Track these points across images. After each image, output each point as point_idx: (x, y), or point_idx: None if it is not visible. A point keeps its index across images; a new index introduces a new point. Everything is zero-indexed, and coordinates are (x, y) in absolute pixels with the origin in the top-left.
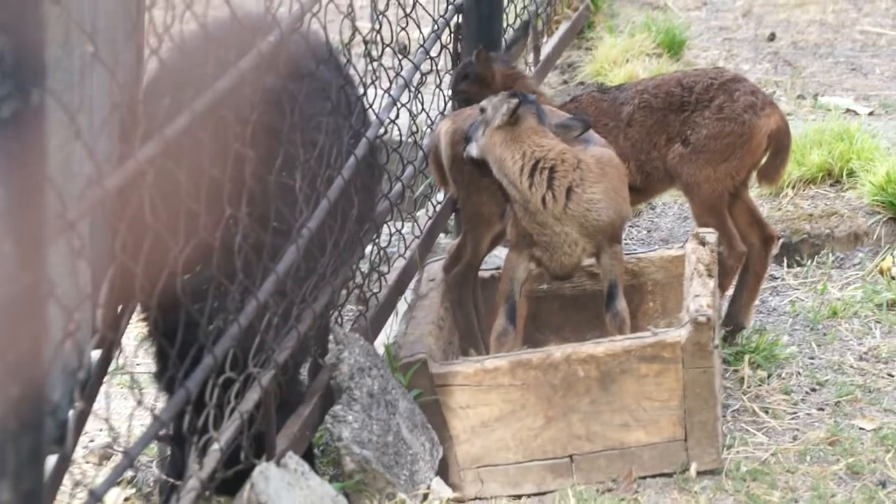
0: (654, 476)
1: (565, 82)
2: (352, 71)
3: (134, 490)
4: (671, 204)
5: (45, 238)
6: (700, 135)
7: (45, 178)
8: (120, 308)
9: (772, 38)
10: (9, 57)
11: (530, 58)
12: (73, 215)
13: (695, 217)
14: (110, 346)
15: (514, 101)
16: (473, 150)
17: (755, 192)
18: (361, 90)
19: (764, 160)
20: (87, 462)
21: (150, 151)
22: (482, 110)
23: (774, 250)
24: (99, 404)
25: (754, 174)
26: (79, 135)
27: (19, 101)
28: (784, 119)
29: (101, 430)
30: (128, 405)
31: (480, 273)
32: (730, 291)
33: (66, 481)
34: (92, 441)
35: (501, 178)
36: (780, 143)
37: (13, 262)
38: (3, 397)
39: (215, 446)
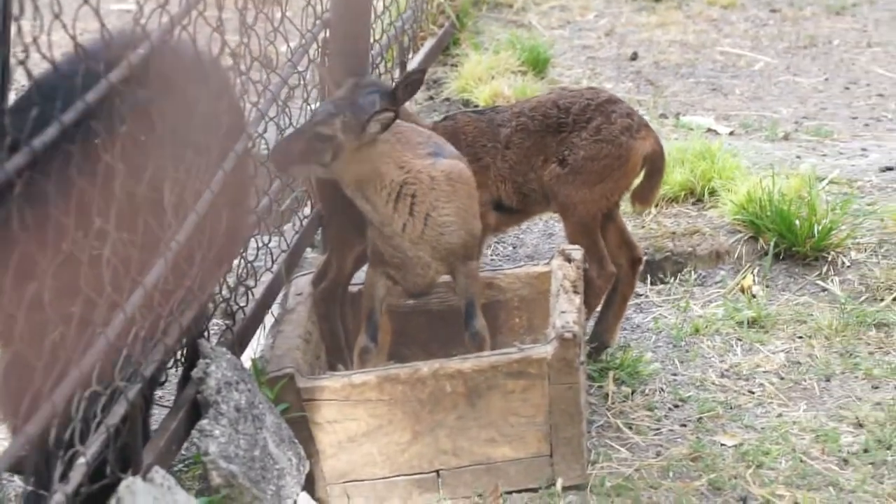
0: (519, 491)
1: (431, 98)
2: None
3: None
4: (537, 221)
5: None
6: (577, 156)
7: None
8: None
9: (634, 57)
10: None
11: (396, 73)
12: None
13: (567, 237)
14: None
15: (389, 114)
16: (319, 171)
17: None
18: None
19: (638, 182)
20: None
21: (18, 162)
22: (324, 137)
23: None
24: None
25: (627, 196)
26: None
27: None
28: (659, 142)
29: None
30: None
31: (350, 288)
32: (596, 311)
33: None
34: None
35: (358, 200)
36: (654, 165)
37: None
38: None
39: (81, 460)
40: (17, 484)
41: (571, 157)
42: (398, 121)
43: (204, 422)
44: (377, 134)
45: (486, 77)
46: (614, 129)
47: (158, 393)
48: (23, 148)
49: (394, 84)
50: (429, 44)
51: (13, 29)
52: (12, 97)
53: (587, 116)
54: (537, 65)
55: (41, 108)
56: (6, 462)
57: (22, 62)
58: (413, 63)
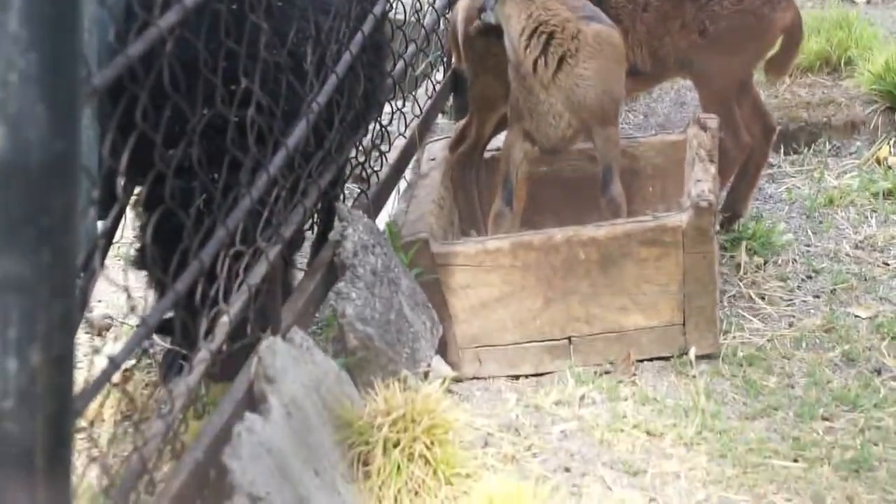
0: (651, 359)
1: None
2: None
3: (144, 361)
4: (668, 90)
5: (77, 104)
6: (718, 26)
7: (79, 42)
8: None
9: None
10: None
11: None
12: (99, 81)
13: (702, 106)
14: (118, 215)
15: None
16: (490, 17)
17: (754, 79)
18: None
19: (774, 51)
20: (87, 333)
21: (171, 19)
22: None
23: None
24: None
25: (762, 64)
26: (102, 2)
27: None
28: (799, 14)
29: (99, 301)
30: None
31: (484, 154)
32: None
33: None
34: (90, 312)
35: (506, 38)
36: (792, 37)
37: (47, 128)
38: (36, 263)
39: (224, 318)
40: (161, 345)
41: (712, 26)
42: None
43: (341, 284)
44: None
45: None
46: (756, 1)
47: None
48: (175, 5)
49: None
50: None
51: None
52: None
53: None
54: None
55: None
56: (154, 320)
57: None
58: None
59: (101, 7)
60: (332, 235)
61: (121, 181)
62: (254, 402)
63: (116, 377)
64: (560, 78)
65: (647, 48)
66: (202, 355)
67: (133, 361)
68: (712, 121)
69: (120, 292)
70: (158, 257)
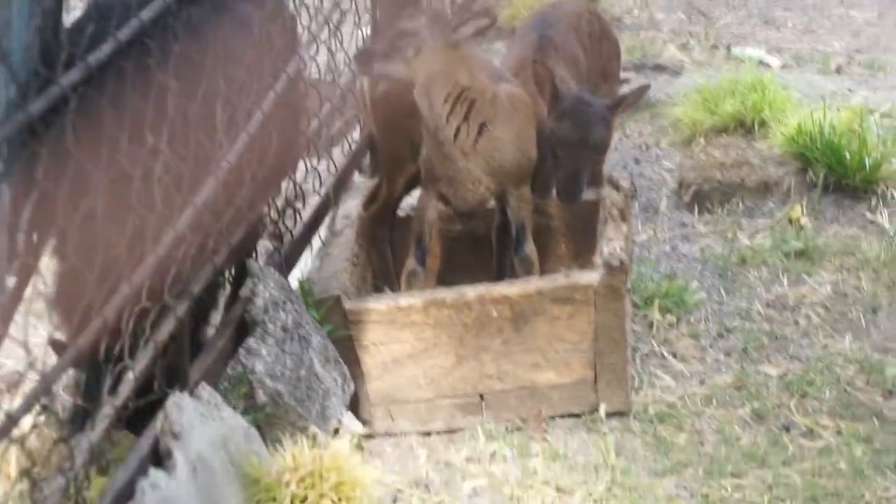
0: (563, 416)
1: None
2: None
3: (46, 417)
4: None
5: None
6: None
7: None
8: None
9: None
10: None
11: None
12: None
13: None
14: (28, 271)
15: (485, 21)
16: (399, 72)
17: (669, 140)
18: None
19: None
20: None
21: (74, 77)
22: (407, 33)
23: None
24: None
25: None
26: (3, 59)
27: None
28: None
29: (8, 358)
30: (38, 334)
31: (398, 213)
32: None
33: None
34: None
35: (421, 100)
36: None
37: None
38: None
39: (130, 374)
40: (65, 399)
41: None
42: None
43: (251, 341)
44: (467, 38)
45: (537, 6)
46: None
47: None
48: (78, 63)
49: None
50: None
51: None
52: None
53: None
54: None
55: (97, 26)
56: (55, 376)
57: None
58: None
59: (2, 63)
60: (243, 292)
61: (21, 238)
62: (159, 458)
63: (16, 433)
64: (480, 144)
65: None
66: (106, 411)
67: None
68: (624, 180)
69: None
70: (63, 310)
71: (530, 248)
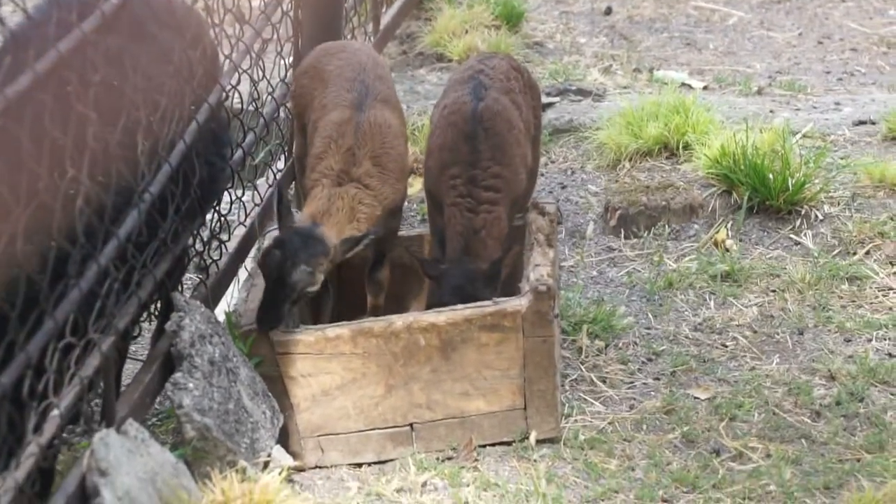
0: (493, 444)
1: (404, 52)
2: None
3: None
4: None
5: None
6: None
7: None
8: None
9: (608, 12)
10: None
11: (370, 27)
12: None
13: None
14: None
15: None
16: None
17: (595, 164)
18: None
19: None
20: None
21: None
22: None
23: None
24: None
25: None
26: None
27: None
28: None
29: None
30: None
31: None
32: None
33: None
34: None
35: None
36: None
37: None
38: None
39: (55, 412)
40: None
41: None
42: None
43: (178, 375)
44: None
45: (460, 31)
46: None
47: (132, 347)
48: None
49: None
50: None
51: None
52: None
53: None
54: (511, 19)
55: (14, 57)
56: None
57: None
58: (386, 17)
59: None
60: (169, 326)
61: None
62: (86, 495)
63: None
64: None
65: None
66: (31, 449)
67: None
68: (550, 205)
69: None
70: None
71: (384, 273)
